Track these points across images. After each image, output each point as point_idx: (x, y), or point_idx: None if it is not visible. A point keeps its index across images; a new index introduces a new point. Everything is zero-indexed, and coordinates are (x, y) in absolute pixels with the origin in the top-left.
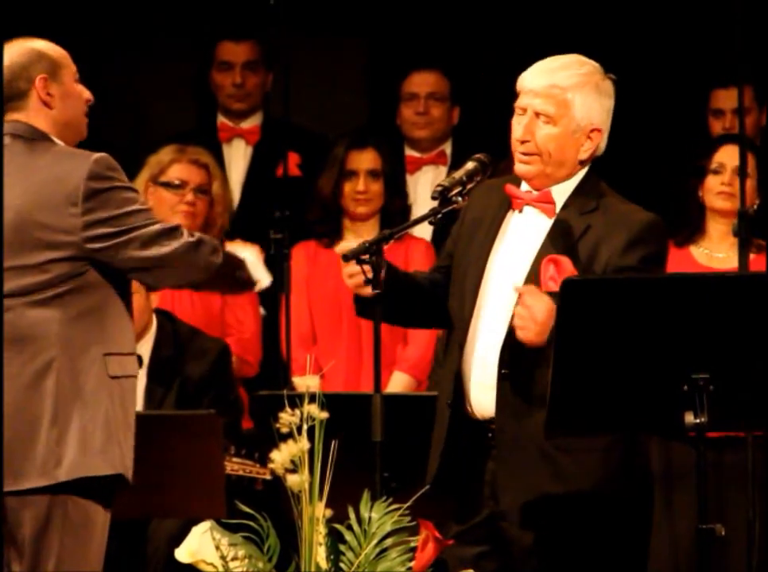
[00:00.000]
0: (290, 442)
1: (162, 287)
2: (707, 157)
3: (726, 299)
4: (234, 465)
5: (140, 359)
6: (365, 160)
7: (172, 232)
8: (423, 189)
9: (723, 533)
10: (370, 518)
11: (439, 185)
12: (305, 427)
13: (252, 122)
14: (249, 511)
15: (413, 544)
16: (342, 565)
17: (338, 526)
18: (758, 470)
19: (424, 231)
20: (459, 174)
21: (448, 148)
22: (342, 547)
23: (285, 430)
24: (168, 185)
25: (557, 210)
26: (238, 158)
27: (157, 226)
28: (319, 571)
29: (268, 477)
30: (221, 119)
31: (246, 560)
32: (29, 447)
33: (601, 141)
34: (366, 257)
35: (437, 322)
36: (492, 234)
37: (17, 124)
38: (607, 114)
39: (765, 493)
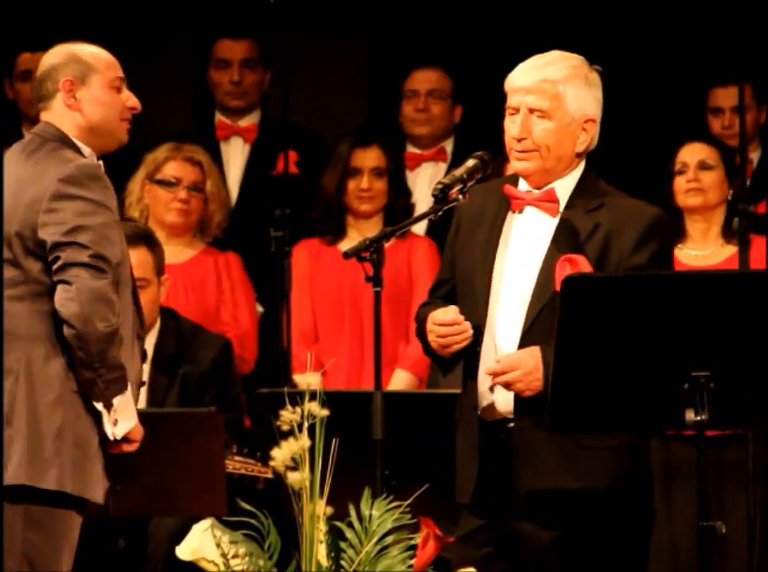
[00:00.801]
0: (291, 439)
1: (55, 305)
2: (670, 160)
3: (726, 296)
4: (237, 464)
5: (144, 354)
6: (369, 158)
7: (97, 271)
8: (422, 185)
9: (723, 531)
10: (370, 516)
11: (439, 183)
12: (306, 424)
13: (250, 120)
14: (250, 508)
15: (413, 542)
16: (343, 562)
17: (339, 523)
18: (758, 466)
19: (423, 229)
20: (459, 172)
21: (448, 145)
22: (343, 545)
23: (285, 427)
24: (162, 183)
25: (561, 208)
26: (236, 156)
27: (90, 253)
28: (320, 569)
29: (270, 476)
30: (219, 117)
31: (247, 558)
32: None
33: (595, 133)
34: (367, 254)
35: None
36: (494, 238)
37: (44, 125)
38: (598, 104)
39: (765, 490)
